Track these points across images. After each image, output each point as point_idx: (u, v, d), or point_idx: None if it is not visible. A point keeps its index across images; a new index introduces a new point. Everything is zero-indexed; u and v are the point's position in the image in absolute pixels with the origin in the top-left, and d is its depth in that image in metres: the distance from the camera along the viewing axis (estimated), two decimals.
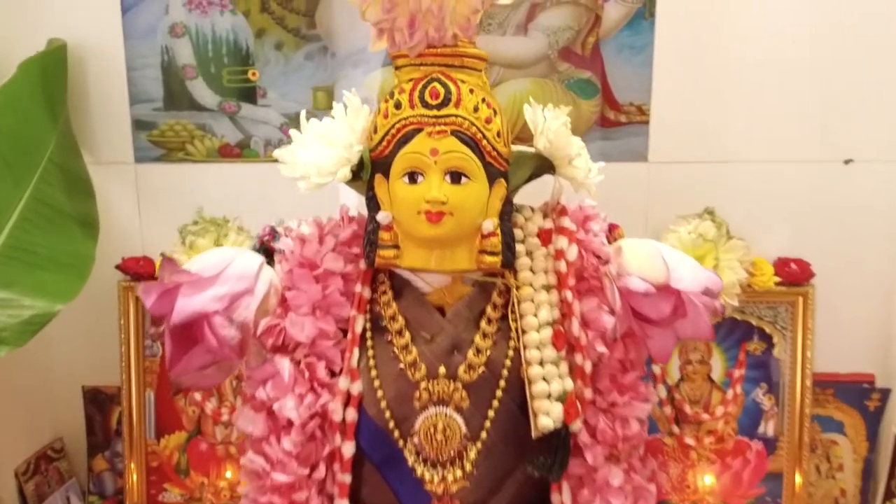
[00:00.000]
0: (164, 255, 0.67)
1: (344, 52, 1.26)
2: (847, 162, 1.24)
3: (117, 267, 1.33)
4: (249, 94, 1.30)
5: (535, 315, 0.75)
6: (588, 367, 0.74)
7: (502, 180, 0.74)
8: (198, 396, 1.33)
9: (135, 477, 1.35)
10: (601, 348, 0.74)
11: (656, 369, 1.24)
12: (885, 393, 1.27)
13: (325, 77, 1.27)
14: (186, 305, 0.68)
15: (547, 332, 0.74)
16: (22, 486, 1.30)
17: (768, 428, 1.28)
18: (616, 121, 1.25)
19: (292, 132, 0.78)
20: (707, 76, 1.22)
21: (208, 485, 1.35)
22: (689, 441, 1.28)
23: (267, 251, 0.83)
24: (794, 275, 1.23)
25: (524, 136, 1.27)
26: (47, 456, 1.37)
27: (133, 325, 1.34)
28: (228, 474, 1.36)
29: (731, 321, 1.26)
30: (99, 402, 1.41)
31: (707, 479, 1.29)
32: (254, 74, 1.28)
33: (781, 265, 1.24)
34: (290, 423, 0.73)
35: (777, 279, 1.23)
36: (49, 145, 1.19)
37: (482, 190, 0.72)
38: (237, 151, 1.33)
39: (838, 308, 1.26)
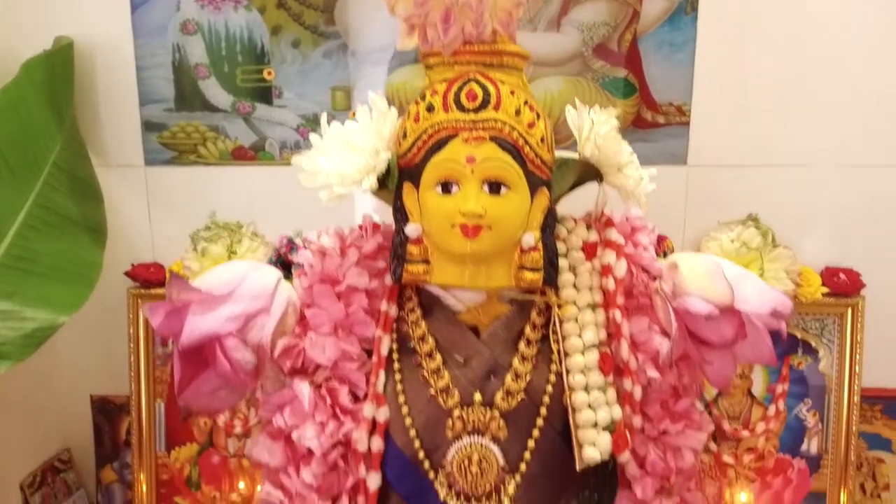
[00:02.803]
0: (172, 271, 0.61)
1: (364, 50, 1.20)
2: None
3: (127, 273, 1.28)
4: (265, 95, 1.24)
5: (580, 336, 0.68)
6: (638, 393, 0.68)
7: (545, 190, 0.68)
8: None
9: (144, 489, 1.31)
10: (653, 373, 0.68)
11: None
12: None
13: (343, 76, 1.21)
14: (197, 326, 0.62)
15: (593, 356, 0.67)
16: (28, 499, 1.25)
17: (812, 446, 1.21)
18: (654, 122, 1.18)
19: (312, 137, 0.71)
20: (752, 75, 1.15)
21: (220, 499, 1.31)
22: (728, 459, 1.21)
23: (284, 264, 0.77)
24: (843, 286, 1.16)
25: (558, 136, 1.20)
26: (54, 467, 1.33)
27: (143, 333, 1.29)
28: (241, 486, 1.31)
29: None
30: (108, 412, 1.37)
31: (743, 497, 1.22)
32: (269, 74, 1.22)
33: (829, 275, 1.17)
34: (310, 453, 0.67)
35: (825, 290, 1.16)
36: (54, 148, 1.13)
37: (523, 201, 0.66)
38: (251, 154, 1.27)
39: (889, 320, 1.19)
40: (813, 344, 1.19)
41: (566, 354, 0.68)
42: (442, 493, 0.67)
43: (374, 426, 0.69)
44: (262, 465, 0.69)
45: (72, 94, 1.21)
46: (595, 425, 0.66)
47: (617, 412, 0.66)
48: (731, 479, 1.22)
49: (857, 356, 1.18)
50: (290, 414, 0.67)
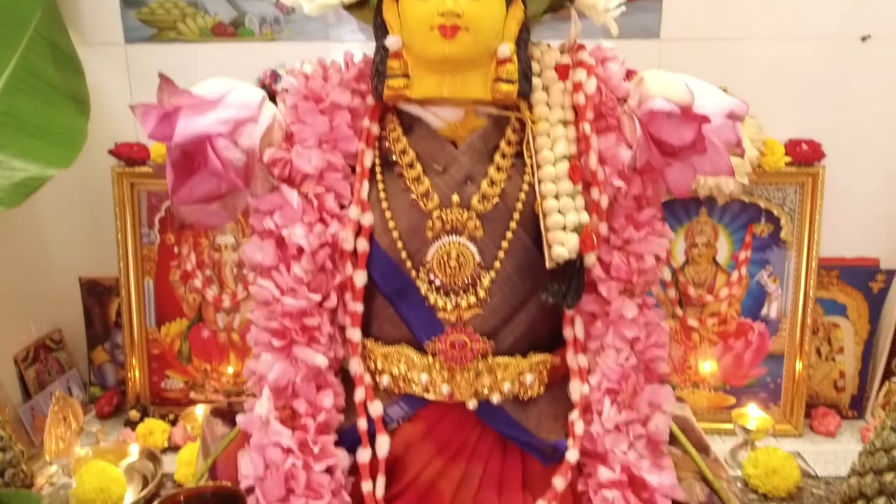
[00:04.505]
0: (162, 74, 0.64)
1: None
2: (864, 38, 1.21)
3: (110, 152, 1.29)
4: None
5: (551, 149, 0.72)
6: (604, 202, 0.72)
7: (520, 2, 0.71)
8: (198, 283, 1.32)
9: (137, 371, 1.35)
10: (618, 182, 0.72)
11: None
12: (891, 274, 1.26)
13: None
14: (189, 126, 0.65)
15: (563, 166, 0.72)
16: (22, 373, 1.29)
17: (771, 310, 1.28)
18: None
19: None
20: None
21: (211, 371, 1.35)
22: (693, 323, 1.28)
23: (269, 95, 0.79)
24: (805, 155, 1.21)
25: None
26: (46, 346, 1.36)
27: (129, 211, 1.31)
28: (230, 370, 1.36)
29: (739, 203, 1.25)
30: (97, 294, 1.40)
31: (707, 366, 1.30)
32: None
33: (792, 146, 1.22)
34: (300, 252, 0.71)
35: (787, 159, 1.21)
36: (34, 15, 1.13)
37: (499, 7, 0.69)
38: (231, 31, 1.27)
39: (847, 190, 1.25)
40: (775, 213, 1.25)
41: (538, 166, 0.72)
42: (423, 288, 0.72)
43: (359, 230, 0.73)
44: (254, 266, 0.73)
45: None
46: (564, 228, 0.71)
47: (584, 217, 0.71)
48: (695, 343, 1.29)
49: (816, 224, 1.24)
50: (280, 216, 0.71)
